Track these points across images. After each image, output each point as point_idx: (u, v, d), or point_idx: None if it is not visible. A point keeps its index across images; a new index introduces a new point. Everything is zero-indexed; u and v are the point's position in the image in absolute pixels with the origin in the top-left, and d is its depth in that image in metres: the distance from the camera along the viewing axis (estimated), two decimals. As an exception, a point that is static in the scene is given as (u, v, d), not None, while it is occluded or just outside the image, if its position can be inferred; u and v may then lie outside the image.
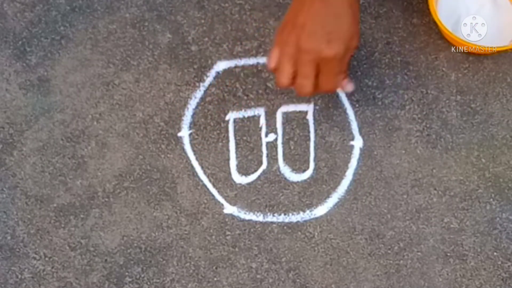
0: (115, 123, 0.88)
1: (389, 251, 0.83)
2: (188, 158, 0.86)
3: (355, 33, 0.76)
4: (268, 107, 0.87)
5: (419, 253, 0.83)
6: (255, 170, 0.86)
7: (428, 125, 0.86)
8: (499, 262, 0.83)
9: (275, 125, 0.87)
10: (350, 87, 0.81)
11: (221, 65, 0.89)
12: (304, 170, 0.86)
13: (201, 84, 0.88)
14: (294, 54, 0.75)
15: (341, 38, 0.74)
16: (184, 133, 0.87)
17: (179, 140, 0.87)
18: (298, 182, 0.85)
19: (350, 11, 0.74)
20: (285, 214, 0.85)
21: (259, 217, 0.85)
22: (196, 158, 0.86)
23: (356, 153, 0.86)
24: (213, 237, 0.84)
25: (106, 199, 0.86)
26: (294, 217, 0.84)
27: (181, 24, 0.90)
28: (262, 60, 0.89)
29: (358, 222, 0.84)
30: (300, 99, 0.87)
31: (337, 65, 0.76)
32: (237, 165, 0.86)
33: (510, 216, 0.84)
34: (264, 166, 0.86)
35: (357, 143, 0.86)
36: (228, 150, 0.86)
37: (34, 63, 0.90)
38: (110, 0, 0.91)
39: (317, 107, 0.87)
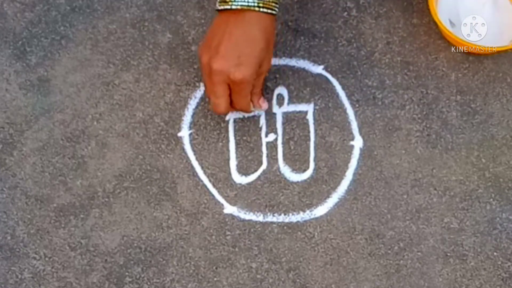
0: (115, 123, 0.88)
1: (389, 251, 0.83)
2: (188, 158, 0.86)
3: (267, 57, 0.79)
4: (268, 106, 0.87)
5: (419, 253, 0.83)
6: (255, 170, 0.86)
7: (428, 125, 0.86)
8: (499, 262, 0.83)
9: (275, 125, 0.87)
10: (265, 105, 0.84)
11: (221, 65, 0.89)
12: (304, 170, 0.86)
13: (201, 84, 0.88)
14: (209, 73, 0.79)
15: (251, 62, 0.78)
16: (184, 133, 0.87)
17: (179, 140, 0.87)
18: (298, 182, 0.85)
19: (264, 36, 0.78)
20: (285, 214, 0.85)
21: (259, 217, 0.85)
22: (196, 158, 0.86)
23: (356, 153, 0.86)
24: (213, 237, 0.84)
25: (106, 199, 0.86)
26: (294, 217, 0.84)
27: (181, 24, 0.90)
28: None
29: (358, 222, 0.84)
30: (300, 99, 0.87)
31: (246, 87, 0.79)
32: (237, 165, 0.86)
33: (510, 216, 0.84)
34: (264, 166, 0.86)
35: (357, 143, 0.86)
36: (228, 150, 0.87)
37: (34, 63, 0.90)
38: (110, 0, 0.91)
39: (317, 107, 0.87)
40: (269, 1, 0.77)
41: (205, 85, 0.81)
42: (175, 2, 0.91)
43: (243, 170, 0.86)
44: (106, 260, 0.84)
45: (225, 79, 0.78)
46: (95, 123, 0.88)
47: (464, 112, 0.87)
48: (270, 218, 0.85)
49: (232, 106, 0.81)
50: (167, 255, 0.84)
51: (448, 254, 0.83)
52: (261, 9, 0.77)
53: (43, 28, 0.91)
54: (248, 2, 0.76)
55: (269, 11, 0.77)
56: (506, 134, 0.86)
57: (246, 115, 0.87)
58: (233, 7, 0.76)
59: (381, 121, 0.87)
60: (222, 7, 0.77)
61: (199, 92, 0.88)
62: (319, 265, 0.83)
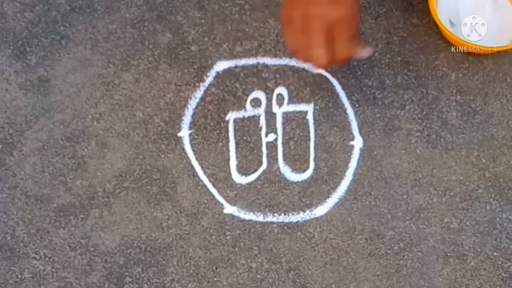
0: (115, 123, 0.88)
1: (389, 251, 0.83)
2: (188, 158, 0.86)
3: None
4: (268, 107, 0.87)
5: (419, 253, 0.83)
6: (255, 170, 0.86)
7: (428, 125, 0.86)
8: (499, 262, 0.83)
9: (275, 125, 0.87)
10: (366, 52, 0.79)
11: (221, 65, 0.89)
12: (304, 170, 0.86)
13: (201, 84, 0.88)
14: (304, 26, 0.74)
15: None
16: (184, 133, 0.87)
17: (179, 140, 0.87)
18: (298, 182, 0.85)
19: None
20: (285, 214, 0.85)
21: (259, 217, 0.85)
22: (196, 158, 0.86)
23: (356, 153, 0.86)
24: (213, 237, 0.84)
25: (106, 199, 0.86)
26: (294, 217, 0.84)
27: (181, 24, 0.90)
28: (262, 60, 0.89)
29: (358, 222, 0.84)
30: (300, 99, 0.87)
31: (347, 27, 0.75)
32: (237, 165, 0.86)
33: (510, 216, 0.84)
34: (264, 166, 0.86)
35: (357, 143, 0.86)
36: (228, 150, 0.87)
37: (34, 63, 0.90)
38: (110, 0, 0.91)
39: (317, 107, 0.87)
40: None
41: (297, 44, 0.76)
42: (175, 2, 0.91)
43: (243, 170, 0.86)
44: (106, 260, 0.84)
45: (324, 23, 0.73)
46: (95, 123, 0.88)
47: (464, 112, 0.87)
48: (270, 218, 0.85)
49: (332, 58, 0.76)
50: (167, 255, 0.84)
51: (448, 254, 0.83)
52: None
53: (43, 28, 0.91)
54: None
55: None
56: (506, 134, 0.86)
57: (247, 114, 0.87)
58: None
59: (381, 121, 0.87)
60: None
61: (199, 92, 0.88)
62: (319, 265, 0.83)
